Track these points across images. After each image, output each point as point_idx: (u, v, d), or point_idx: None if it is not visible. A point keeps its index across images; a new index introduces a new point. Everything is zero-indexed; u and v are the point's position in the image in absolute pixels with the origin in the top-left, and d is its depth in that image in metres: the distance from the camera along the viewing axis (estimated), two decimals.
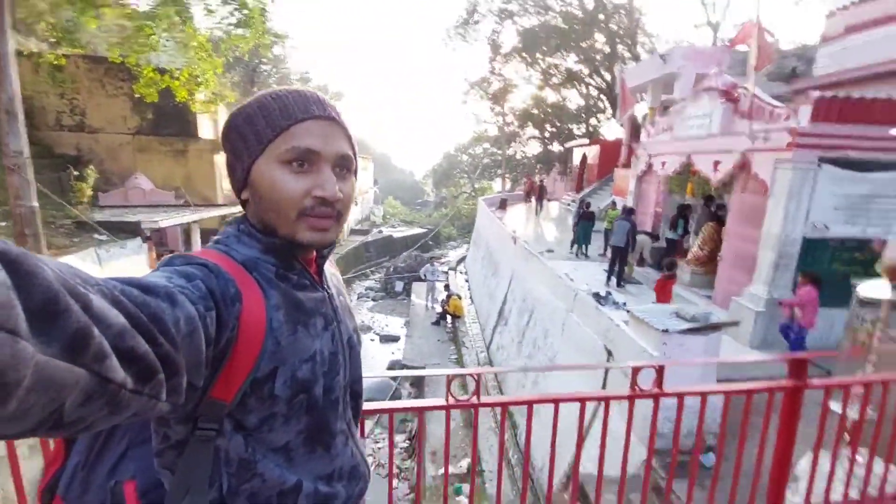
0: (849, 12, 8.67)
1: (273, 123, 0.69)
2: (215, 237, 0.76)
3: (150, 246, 11.48)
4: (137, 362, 0.45)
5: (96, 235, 10.51)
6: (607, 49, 23.86)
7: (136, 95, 12.21)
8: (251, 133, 0.70)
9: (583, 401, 1.74)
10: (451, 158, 48.67)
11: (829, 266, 6.34)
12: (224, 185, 19.83)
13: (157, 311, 0.50)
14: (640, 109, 16.86)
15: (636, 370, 1.75)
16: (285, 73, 30.17)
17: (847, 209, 6.19)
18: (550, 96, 29.44)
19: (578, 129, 28.71)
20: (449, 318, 14.21)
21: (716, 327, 4.56)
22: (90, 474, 0.76)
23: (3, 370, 0.33)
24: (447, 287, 16.18)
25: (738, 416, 1.91)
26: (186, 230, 14.27)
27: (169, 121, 16.25)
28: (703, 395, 1.84)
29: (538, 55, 24.68)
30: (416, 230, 33.30)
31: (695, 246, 9.01)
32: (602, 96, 26.01)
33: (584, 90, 27.75)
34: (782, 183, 6.22)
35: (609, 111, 25.20)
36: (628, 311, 5.37)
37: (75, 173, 12.27)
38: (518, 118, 30.20)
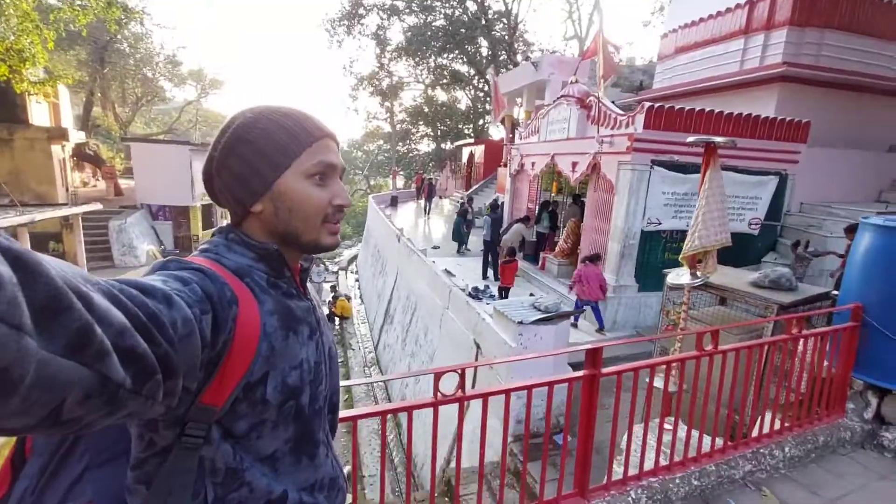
0: (677, 35, 10.07)
1: (298, 140, 0.74)
2: (202, 246, 0.76)
3: None
4: (137, 362, 0.45)
5: None
6: (490, 54, 24.96)
7: None
8: (273, 149, 0.73)
9: (382, 414, 1.70)
10: (345, 154, 47.07)
11: (662, 255, 7.29)
12: (70, 180, 16.99)
13: (155, 311, 0.50)
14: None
15: (438, 376, 1.75)
16: (145, 54, 26.64)
17: (674, 206, 7.17)
18: (441, 96, 30.01)
19: (468, 129, 29.69)
20: (336, 320, 13.77)
21: (564, 316, 4.95)
22: (41, 498, 0.72)
23: (9, 366, 0.34)
24: (334, 288, 15.67)
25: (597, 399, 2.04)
26: (13, 234, 11.91)
27: None
28: (507, 393, 1.91)
29: (425, 54, 24.94)
30: None
31: (561, 240, 9.80)
32: (488, 98, 27.16)
33: (472, 92, 28.73)
34: (624, 182, 7.00)
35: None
36: (492, 305, 5.61)
37: None
38: (410, 115, 30.27)
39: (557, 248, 9.82)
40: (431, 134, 31.07)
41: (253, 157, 0.73)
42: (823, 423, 2.85)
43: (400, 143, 32.82)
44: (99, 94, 24.95)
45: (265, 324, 0.69)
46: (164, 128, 35.09)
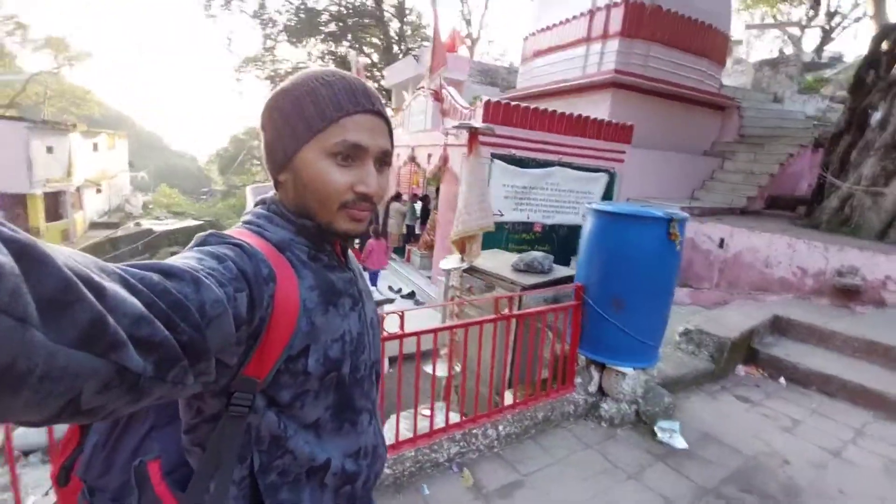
0: (534, 38, 10.55)
1: (323, 113, 0.69)
2: (245, 217, 0.76)
3: None
4: (156, 350, 0.44)
5: None
6: (385, 46, 24.61)
7: None
8: (299, 119, 0.70)
9: None
10: (241, 143, 44.14)
11: (507, 244, 7.54)
12: None
13: (177, 297, 0.48)
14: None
15: None
16: None
17: (514, 198, 7.44)
18: None
19: None
20: None
21: (380, 304, 4.83)
22: (112, 454, 0.76)
23: (14, 358, 0.33)
24: None
25: None
26: None
27: None
28: None
29: (315, 40, 23.88)
30: (189, 222, 29.02)
31: (424, 233, 9.83)
32: (385, 91, 26.80)
33: (372, 84, 28.15)
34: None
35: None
36: None
37: None
38: None
39: (421, 241, 9.83)
40: None
41: (281, 126, 0.71)
42: (552, 398, 2.98)
43: None
44: None
45: (304, 300, 0.68)
46: (5, 101, 29.71)
